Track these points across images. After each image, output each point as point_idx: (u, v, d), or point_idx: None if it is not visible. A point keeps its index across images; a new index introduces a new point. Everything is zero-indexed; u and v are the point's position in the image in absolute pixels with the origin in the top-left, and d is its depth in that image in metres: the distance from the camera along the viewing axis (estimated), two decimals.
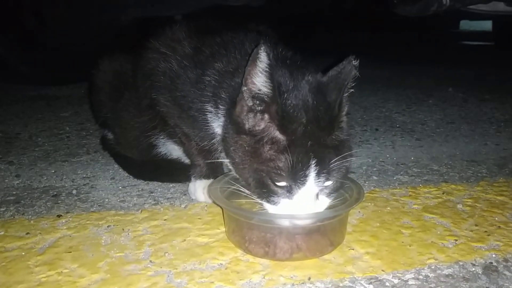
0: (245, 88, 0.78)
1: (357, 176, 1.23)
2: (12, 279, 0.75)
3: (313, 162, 0.74)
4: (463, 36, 6.43)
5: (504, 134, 1.68)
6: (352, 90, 0.80)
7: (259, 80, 0.75)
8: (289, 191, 0.76)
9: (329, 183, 0.78)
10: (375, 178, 1.22)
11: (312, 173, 0.74)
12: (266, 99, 0.76)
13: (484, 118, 1.92)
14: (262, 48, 0.72)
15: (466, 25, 6.96)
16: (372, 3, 3.39)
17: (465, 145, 1.53)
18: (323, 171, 0.75)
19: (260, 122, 0.78)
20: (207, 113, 0.92)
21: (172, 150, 1.19)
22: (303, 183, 0.75)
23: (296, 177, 0.74)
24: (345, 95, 0.80)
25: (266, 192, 0.78)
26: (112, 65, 1.30)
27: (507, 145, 1.54)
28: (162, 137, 1.16)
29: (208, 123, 0.93)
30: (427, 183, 1.19)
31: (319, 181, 0.76)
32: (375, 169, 1.29)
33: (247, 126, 0.79)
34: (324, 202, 0.81)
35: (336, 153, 0.77)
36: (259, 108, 0.77)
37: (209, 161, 1.01)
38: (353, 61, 0.77)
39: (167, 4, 2.13)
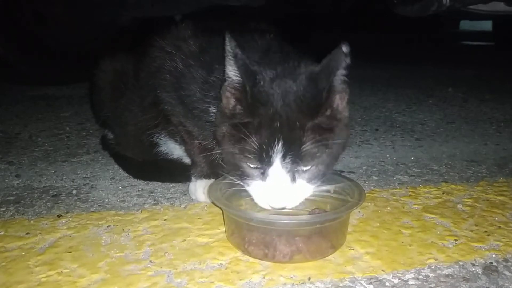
0: (227, 79, 0.83)
1: (357, 176, 1.23)
2: (12, 279, 0.75)
3: (280, 143, 0.76)
4: (463, 36, 6.43)
5: (504, 134, 1.68)
6: (345, 78, 0.80)
7: (230, 69, 0.81)
8: (262, 173, 0.79)
9: (306, 167, 0.79)
10: (375, 178, 1.22)
11: (278, 154, 0.76)
12: (237, 86, 0.81)
13: (484, 118, 1.92)
14: (227, 40, 0.78)
15: (466, 25, 6.97)
16: (372, 3, 3.38)
17: (465, 145, 1.53)
18: (291, 152, 0.76)
19: (235, 108, 0.83)
20: (211, 113, 0.94)
21: (173, 149, 1.18)
22: (269, 164, 0.77)
23: (262, 157, 0.77)
24: (339, 83, 0.80)
25: (240, 174, 0.82)
26: (113, 65, 1.30)
27: (507, 145, 1.54)
28: (163, 135, 1.16)
29: (212, 123, 0.94)
30: (427, 183, 1.19)
31: (287, 163, 0.77)
32: (375, 169, 1.29)
33: (227, 113, 0.84)
34: (304, 187, 0.81)
35: (314, 138, 0.77)
36: (234, 95, 0.83)
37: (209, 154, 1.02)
38: (344, 48, 0.76)
39: (167, 4, 2.13)
